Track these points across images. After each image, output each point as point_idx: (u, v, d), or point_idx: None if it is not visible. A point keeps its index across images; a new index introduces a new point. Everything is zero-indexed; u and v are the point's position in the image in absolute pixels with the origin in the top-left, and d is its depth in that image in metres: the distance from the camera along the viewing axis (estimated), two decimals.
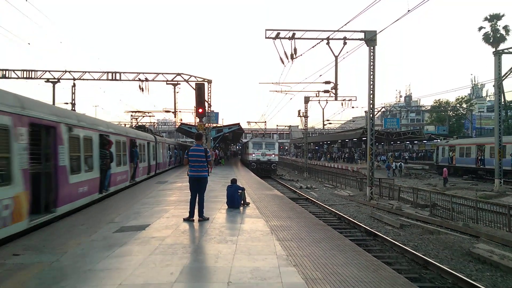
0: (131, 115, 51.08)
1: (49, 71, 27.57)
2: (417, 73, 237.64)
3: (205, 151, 8.76)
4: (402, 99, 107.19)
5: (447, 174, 29.42)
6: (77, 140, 10.87)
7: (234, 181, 11.26)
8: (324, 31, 19.87)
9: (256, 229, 7.96)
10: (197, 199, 8.85)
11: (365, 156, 29.98)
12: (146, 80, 27.95)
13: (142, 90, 28.07)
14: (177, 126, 45.95)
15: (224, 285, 4.68)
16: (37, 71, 27.47)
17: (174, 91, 30.11)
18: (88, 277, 5.04)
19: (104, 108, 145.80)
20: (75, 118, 11.16)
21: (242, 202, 10.99)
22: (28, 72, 27.34)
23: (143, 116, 50.18)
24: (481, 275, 8.71)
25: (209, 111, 29.82)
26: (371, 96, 19.85)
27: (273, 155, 38.13)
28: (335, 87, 21.59)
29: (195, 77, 28.16)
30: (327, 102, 40.77)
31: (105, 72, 27.45)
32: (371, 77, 19.59)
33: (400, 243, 10.98)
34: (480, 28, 50.24)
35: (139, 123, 48.19)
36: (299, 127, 54.43)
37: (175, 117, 38.67)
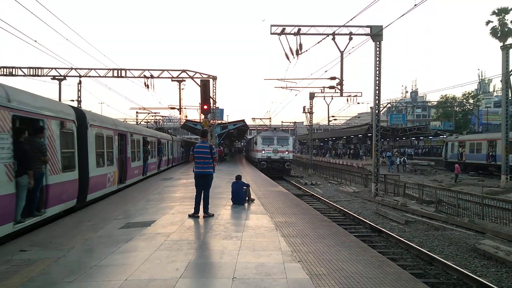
0: (136, 112, 51.37)
1: (55, 69, 27.69)
2: (424, 68, 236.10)
3: (210, 147, 8.78)
4: (408, 95, 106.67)
5: (459, 170, 29.11)
6: (134, 141, 17.29)
7: (239, 177, 11.29)
8: (329, 26, 19.78)
9: (261, 225, 7.99)
10: (202, 195, 8.89)
11: (371, 152, 29.91)
12: (152, 77, 28.00)
13: (148, 87, 28.14)
14: (182, 123, 46.07)
15: (229, 281, 4.71)
16: (43, 68, 27.60)
17: (179, 88, 30.20)
18: (94, 272, 5.09)
19: (110, 105, 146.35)
20: (133, 128, 18.59)
21: (247, 198, 11.02)
22: (34, 69, 27.49)
23: (149, 113, 50.46)
24: (486, 271, 8.68)
25: (214, 107, 29.85)
26: (377, 91, 19.75)
27: (287, 152, 32.16)
28: (341, 83, 21.52)
29: (200, 73, 28.17)
30: (332, 98, 40.70)
31: (110, 69, 27.53)
32: (377, 72, 19.48)
33: (405, 239, 10.97)
34: (488, 22, 49.69)
35: (159, 126, 52.40)
36: (304, 124, 53.49)
37: (180, 113, 38.78)
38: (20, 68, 27.27)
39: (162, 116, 64.49)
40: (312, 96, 39.33)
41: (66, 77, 28.30)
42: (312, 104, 40.60)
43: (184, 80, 29.06)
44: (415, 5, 13.23)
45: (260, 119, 58.84)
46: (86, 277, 4.90)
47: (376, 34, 19.20)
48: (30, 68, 27.45)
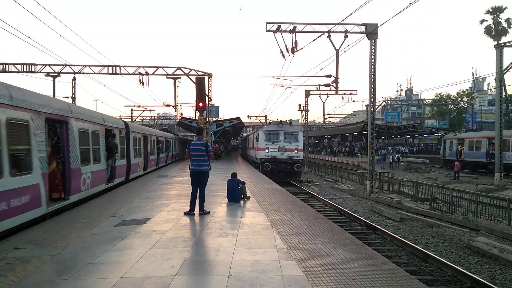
0: (132, 109, 51.15)
1: (49, 65, 27.48)
2: (418, 66, 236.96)
3: (206, 145, 8.76)
4: (403, 93, 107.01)
5: (459, 167, 29.18)
6: (152, 141, 23.54)
7: (234, 175, 11.28)
8: (325, 24, 19.78)
9: (257, 223, 7.99)
10: (198, 193, 8.88)
11: (366, 150, 29.97)
12: (146, 74, 27.87)
13: (143, 84, 28.02)
14: (177, 120, 45.92)
15: (224, 278, 4.71)
16: (37, 65, 27.38)
17: (175, 85, 30.08)
18: (89, 270, 5.07)
19: (105, 102, 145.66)
20: (151, 131, 25.14)
21: (242, 196, 11.03)
22: (28, 66, 27.27)
23: (144, 110, 50.27)
24: (480, 268, 8.75)
25: (209, 105, 29.77)
26: (372, 89, 19.80)
27: (296, 151, 25.70)
28: (336, 81, 21.55)
29: (195, 71, 28.08)
30: (327, 96, 40.77)
31: (105, 66, 27.36)
32: (372, 70, 19.52)
33: (400, 237, 11.02)
34: (482, 21, 49.97)
35: (156, 124, 55.51)
36: (300, 121, 53.10)
37: (175, 111, 38.59)
38: (13, 64, 27.04)
39: (158, 113, 64.24)
40: (307, 94, 39.33)
41: (60, 74, 28.08)
42: (307, 102, 40.60)
43: (179, 77, 28.96)
44: (410, 3, 13.26)
45: (256, 116, 58.79)
46: (81, 275, 4.88)
47: (371, 32, 19.23)
48: (23, 64, 27.23)
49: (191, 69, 28.01)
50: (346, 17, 17.80)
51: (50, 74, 27.91)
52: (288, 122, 28.64)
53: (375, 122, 22.10)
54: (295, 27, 19.68)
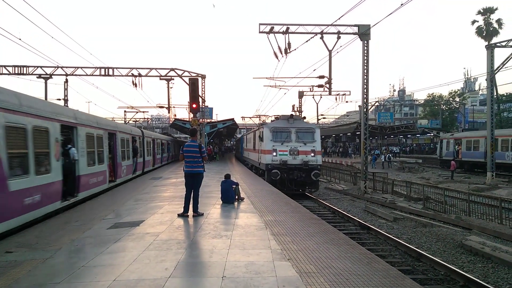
0: (125, 111, 50.92)
1: (41, 67, 27.26)
2: (411, 67, 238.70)
3: (200, 146, 8.74)
4: (396, 93, 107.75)
5: (455, 166, 29.24)
6: (158, 143, 28.92)
7: (228, 176, 11.27)
8: (318, 25, 19.85)
9: (251, 224, 7.99)
10: (192, 194, 8.86)
11: (359, 150, 30.09)
12: (139, 75, 27.76)
13: (136, 86, 27.90)
14: (171, 122, 45.80)
15: (218, 280, 4.70)
16: (28, 66, 27.15)
17: (168, 87, 29.98)
18: (82, 273, 5.04)
19: (98, 104, 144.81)
20: (157, 135, 31.61)
21: (236, 197, 11.01)
22: (19, 68, 27.04)
23: (137, 112, 50.08)
24: (473, 266, 8.82)
25: (203, 106, 29.72)
26: (365, 90, 19.90)
27: (313, 154, 19.53)
28: (329, 82, 21.61)
29: (188, 72, 28.02)
30: (321, 97, 40.96)
31: (97, 68, 27.21)
32: (365, 71, 19.63)
33: (393, 236, 11.08)
34: (473, 22, 50.43)
35: (162, 130, 59.14)
36: None
37: (168, 112, 38.47)
38: (4, 66, 26.79)
39: (151, 115, 64.02)
40: (301, 94, 39.47)
41: (52, 76, 27.88)
42: (301, 103, 40.74)
43: (173, 79, 28.88)
44: (402, 4, 13.34)
45: (250, 117, 58.76)
46: (73, 278, 4.85)
47: (363, 33, 19.34)
48: (14, 66, 26.99)
49: (185, 71, 27.95)
50: (339, 18, 17.93)
51: (42, 76, 27.69)
52: (300, 116, 22.64)
53: (368, 122, 22.21)
54: (288, 28, 19.73)
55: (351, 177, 26.77)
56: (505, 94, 52.63)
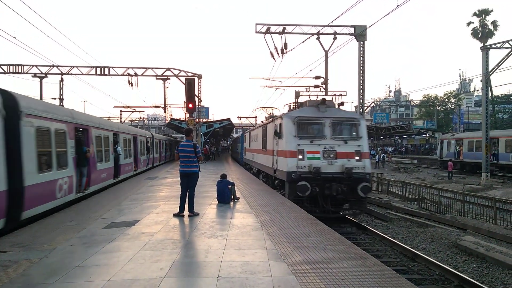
0: (120, 110, 50.78)
1: (36, 66, 27.14)
2: (407, 68, 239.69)
3: (194, 146, 8.72)
4: (392, 94, 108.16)
5: (453, 167, 29.16)
6: (163, 144, 34.26)
7: (224, 176, 11.26)
8: (314, 25, 19.89)
9: (247, 224, 7.98)
10: (187, 194, 8.84)
11: None
12: (135, 75, 27.71)
13: (132, 85, 27.85)
14: (167, 122, 45.71)
15: (214, 280, 4.69)
16: (24, 65, 27.04)
17: (164, 86, 30.00)
18: (76, 273, 5.01)
19: (93, 103, 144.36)
20: (162, 136, 36.28)
21: (232, 197, 11.00)
22: (14, 66, 26.90)
23: (133, 112, 49.95)
24: (467, 266, 8.87)
25: (199, 106, 29.70)
26: (361, 91, 19.97)
27: (357, 157, 12.88)
28: (325, 82, 21.67)
29: (185, 72, 27.99)
30: (317, 97, 40.90)
31: (93, 67, 27.12)
32: (361, 72, 19.69)
33: (389, 236, 11.12)
34: (469, 23, 50.74)
35: (159, 129, 60.83)
36: None
37: (165, 112, 38.48)
38: None
39: (147, 115, 63.86)
40: (297, 95, 39.18)
41: (48, 75, 27.76)
42: (297, 104, 40.72)
43: (169, 79, 28.91)
44: (398, 5, 13.40)
45: (246, 117, 58.74)
46: (68, 278, 4.82)
47: (359, 34, 19.40)
48: (10, 65, 26.87)
49: (181, 70, 27.91)
50: (335, 19, 17.98)
51: (37, 75, 27.57)
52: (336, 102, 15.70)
53: None
54: (284, 28, 19.75)
55: None
56: (500, 95, 53.03)
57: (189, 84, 15.86)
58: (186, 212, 8.82)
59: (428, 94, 70.47)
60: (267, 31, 19.78)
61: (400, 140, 73.69)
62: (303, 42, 20.20)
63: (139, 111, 51.28)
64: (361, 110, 21.05)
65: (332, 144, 12.66)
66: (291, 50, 20.24)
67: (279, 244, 6.39)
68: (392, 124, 59.90)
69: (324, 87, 22.39)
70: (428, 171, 35.79)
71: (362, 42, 19.52)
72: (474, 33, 50.33)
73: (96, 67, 27.19)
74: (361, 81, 19.72)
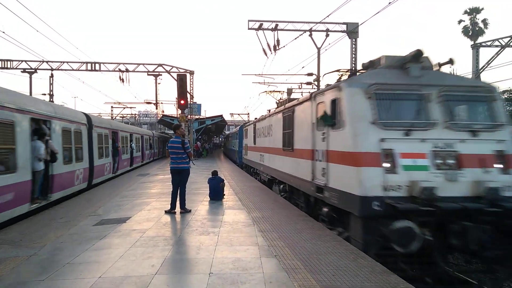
0: (111, 107, 50.41)
1: (25, 61, 26.77)
2: None
3: (182, 142, 8.66)
4: None
5: None
6: (162, 141, 40.62)
7: (215, 173, 11.26)
8: (306, 22, 19.88)
9: (238, 221, 7.99)
10: (179, 191, 8.82)
11: None
12: (127, 70, 27.47)
13: (123, 81, 27.60)
14: (159, 118, 45.49)
15: (205, 276, 4.69)
16: (12, 61, 26.64)
17: (156, 82, 29.82)
18: (67, 270, 4.98)
19: (84, 99, 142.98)
20: (161, 135, 44.37)
21: (223, 194, 11.02)
22: (3, 62, 26.50)
23: (124, 108, 49.62)
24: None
25: (191, 102, 29.57)
26: None
27: (500, 165, 6.41)
28: (318, 79, 21.69)
29: (177, 68, 27.83)
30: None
31: (84, 63, 26.83)
32: (353, 69, 19.73)
33: None
34: (460, 21, 51.10)
35: (151, 125, 63.50)
36: None
37: (156, 108, 38.23)
38: None
39: (138, 111, 63.51)
40: (289, 92, 39.28)
41: (37, 70, 27.40)
42: (288, 100, 40.77)
43: (161, 75, 28.69)
44: (389, 3, 13.43)
45: (239, 114, 58.59)
46: (58, 275, 4.79)
47: (352, 31, 19.44)
48: None
49: (173, 66, 27.76)
50: (327, 16, 17.91)
51: (26, 70, 27.19)
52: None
53: None
54: (277, 25, 19.71)
55: None
56: None
57: (181, 80, 15.77)
58: (178, 209, 8.80)
59: None
60: (260, 28, 19.72)
61: None
62: (295, 39, 20.17)
63: (131, 107, 50.94)
64: None
65: (449, 138, 6.66)
66: (284, 47, 20.20)
67: (271, 241, 6.41)
68: None
69: (316, 84, 22.43)
70: None
71: (354, 39, 19.57)
72: (465, 31, 50.67)
73: (87, 62, 26.90)
74: None
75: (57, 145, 10.82)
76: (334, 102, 7.41)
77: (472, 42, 39.74)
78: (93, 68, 27.00)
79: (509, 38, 23.02)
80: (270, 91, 24.54)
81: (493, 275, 6.44)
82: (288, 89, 40.98)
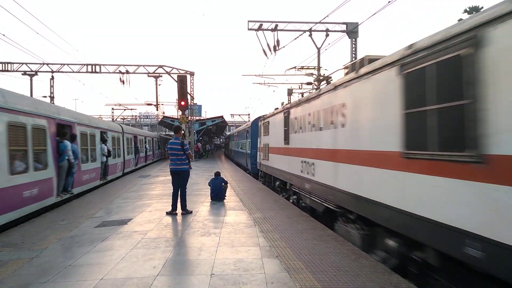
0: (112, 108, 50.48)
1: (26, 64, 26.83)
2: None
3: (182, 144, 8.67)
4: None
5: None
6: (163, 142, 42.32)
7: (218, 174, 11.26)
8: (306, 22, 19.89)
9: (240, 222, 7.99)
10: (179, 192, 8.82)
11: None
12: (127, 72, 27.51)
13: (123, 83, 27.66)
14: (159, 119, 45.53)
15: (207, 277, 4.69)
16: (13, 63, 26.70)
17: (156, 84, 29.88)
18: (68, 272, 4.98)
19: (84, 101, 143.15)
20: (160, 137, 43.20)
21: (225, 195, 11.02)
22: (3, 64, 26.55)
23: (125, 110, 49.68)
24: None
25: (191, 103, 29.60)
26: None
27: None
28: (318, 79, 21.68)
29: (177, 69, 27.85)
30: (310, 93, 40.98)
31: (84, 65, 26.88)
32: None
33: None
34: (460, 20, 51.14)
35: (152, 127, 65.10)
36: None
37: (157, 110, 38.29)
38: None
39: (139, 113, 63.62)
40: (290, 92, 39.29)
41: (38, 73, 27.46)
42: (290, 101, 40.79)
43: (161, 76, 28.76)
44: (389, 1, 13.43)
45: (239, 115, 58.66)
46: (60, 277, 4.79)
47: (351, 30, 19.44)
48: None
49: (173, 68, 27.78)
50: (327, 16, 17.90)
51: (27, 73, 27.25)
52: None
53: None
54: (276, 25, 19.73)
55: None
56: None
57: (181, 82, 15.80)
58: (179, 210, 8.80)
59: None
60: (260, 28, 19.73)
61: None
62: (295, 39, 20.17)
63: (131, 109, 51.05)
64: None
65: None
66: (284, 47, 20.21)
67: (272, 241, 6.41)
68: None
69: (316, 84, 22.44)
70: None
71: (354, 39, 19.58)
72: None
73: (87, 64, 26.95)
74: None
75: (110, 147, 16.98)
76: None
77: None
78: (93, 70, 27.05)
79: None
80: (301, 67, 20.63)
81: None
82: (288, 89, 40.92)
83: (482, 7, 50.00)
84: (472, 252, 3.64)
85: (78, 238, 6.80)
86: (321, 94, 8.61)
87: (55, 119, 10.84)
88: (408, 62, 4.86)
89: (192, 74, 29.25)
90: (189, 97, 25.18)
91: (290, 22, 19.89)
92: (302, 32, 19.81)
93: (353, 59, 19.63)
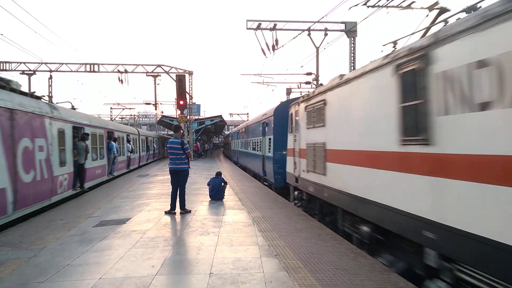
0: (111, 108, 50.44)
1: (24, 63, 26.77)
2: None
3: (182, 143, 8.67)
4: None
5: None
6: (162, 141, 43.00)
7: (219, 173, 11.28)
8: (305, 22, 19.89)
9: (239, 221, 7.99)
10: (178, 191, 8.82)
11: None
12: (126, 71, 27.48)
13: (122, 82, 27.62)
14: (158, 119, 45.52)
15: (205, 277, 4.69)
16: (11, 62, 26.64)
17: (155, 83, 29.79)
18: (67, 272, 4.97)
19: (83, 101, 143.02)
20: (164, 136, 48.75)
21: (224, 194, 11.03)
22: (2, 63, 26.50)
23: (123, 109, 49.66)
24: None
25: (190, 103, 29.58)
26: None
27: None
28: (317, 78, 21.69)
29: (176, 68, 27.83)
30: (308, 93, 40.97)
31: (83, 64, 26.84)
32: (352, 68, 19.74)
33: None
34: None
35: (150, 126, 65.32)
36: None
37: (155, 109, 38.25)
38: None
39: (138, 112, 63.62)
40: (288, 91, 39.33)
41: (36, 72, 27.40)
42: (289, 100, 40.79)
43: (160, 75, 28.70)
44: (388, 0, 13.42)
45: (238, 114, 58.66)
46: (58, 277, 4.78)
47: (350, 30, 19.45)
48: None
49: (172, 67, 27.76)
50: (326, 15, 17.89)
51: (25, 72, 27.19)
52: None
53: None
54: (275, 25, 19.71)
55: None
56: None
57: (180, 81, 15.79)
58: (178, 209, 8.80)
59: None
60: (258, 27, 19.71)
61: None
62: (294, 38, 20.15)
63: (130, 108, 50.99)
64: None
65: None
66: (282, 46, 20.19)
67: (271, 240, 6.41)
68: None
69: (315, 83, 22.43)
70: None
71: (352, 38, 19.60)
72: None
73: (86, 64, 26.91)
74: None
75: (131, 145, 22.61)
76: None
77: None
78: (92, 70, 27.02)
79: None
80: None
81: None
82: (287, 89, 40.90)
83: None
84: None
85: (77, 238, 6.80)
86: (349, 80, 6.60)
87: (106, 129, 17.25)
88: None
89: (190, 73, 29.23)
90: (187, 96, 25.16)
91: (289, 22, 19.87)
92: (300, 32, 19.81)
93: (352, 58, 19.65)
